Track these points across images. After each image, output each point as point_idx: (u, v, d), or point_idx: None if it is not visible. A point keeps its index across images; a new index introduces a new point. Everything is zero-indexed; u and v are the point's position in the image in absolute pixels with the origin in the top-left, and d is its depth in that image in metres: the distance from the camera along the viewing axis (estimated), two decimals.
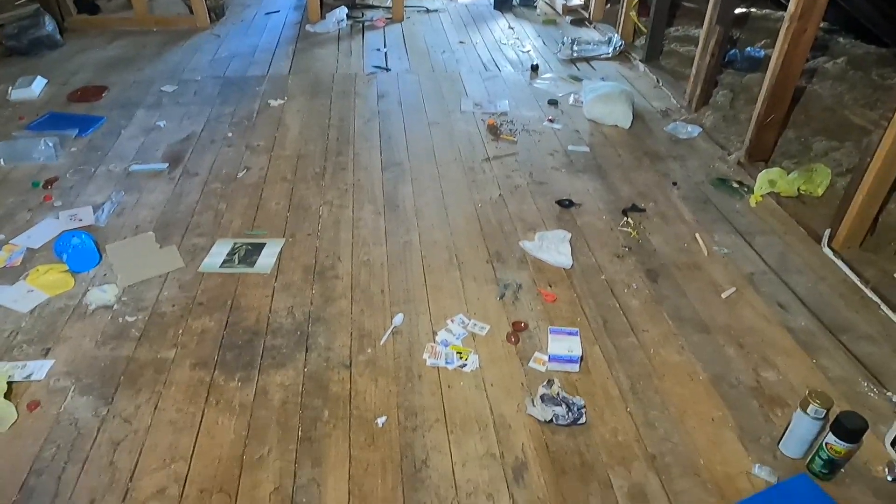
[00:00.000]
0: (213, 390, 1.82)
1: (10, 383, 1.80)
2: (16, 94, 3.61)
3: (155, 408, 1.76)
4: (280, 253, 2.40)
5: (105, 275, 2.28)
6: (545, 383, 1.81)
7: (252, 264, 2.34)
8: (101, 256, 2.35)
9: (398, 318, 2.09)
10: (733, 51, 4.06)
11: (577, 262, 2.39)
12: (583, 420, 1.73)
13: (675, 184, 2.94)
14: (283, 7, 5.46)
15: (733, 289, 2.26)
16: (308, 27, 4.88)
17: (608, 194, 2.85)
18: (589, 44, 4.55)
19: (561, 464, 1.63)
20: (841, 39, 4.37)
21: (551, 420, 1.71)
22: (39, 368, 1.88)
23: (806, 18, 2.61)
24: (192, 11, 4.86)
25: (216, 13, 5.03)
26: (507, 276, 2.31)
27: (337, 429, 1.71)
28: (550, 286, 2.27)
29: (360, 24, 4.99)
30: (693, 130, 3.39)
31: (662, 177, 3.00)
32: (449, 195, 2.82)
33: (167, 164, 2.99)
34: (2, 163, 2.94)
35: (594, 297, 2.22)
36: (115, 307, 2.13)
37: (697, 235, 2.55)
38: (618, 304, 2.19)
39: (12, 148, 3.01)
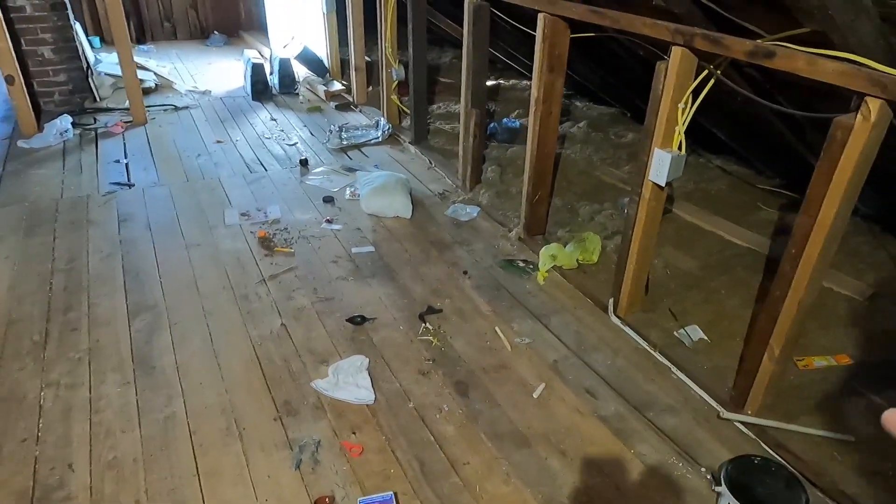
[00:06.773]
0: None
1: None
2: None
3: None
4: None
5: None
6: None
7: None
8: None
9: None
10: (492, 124, 4.26)
11: (381, 393, 2.11)
12: None
13: (465, 272, 2.85)
14: None
15: (542, 385, 2.17)
16: (20, 143, 4.04)
17: (402, 299, 2.64)
18: (358, 129, 4.44)
19: None
20: (578, 103, 4.88)
21: None
22: None
23: (549, 101, 2.73)
24: None
25: None
26: (301, 434, 1.94)
27: None
28: (354, 433, 1.95)
29: (93, 132, 4.28)
30: (472, 211, 3.39)
31: (452, 267, 2.90)
32: (219, 337, 2.37)
33: None
34: None
35: (405, 435, 1.95)
36: None
37: (497, 329, 2.45)
38: (432, 437, 1.95)
39: None
